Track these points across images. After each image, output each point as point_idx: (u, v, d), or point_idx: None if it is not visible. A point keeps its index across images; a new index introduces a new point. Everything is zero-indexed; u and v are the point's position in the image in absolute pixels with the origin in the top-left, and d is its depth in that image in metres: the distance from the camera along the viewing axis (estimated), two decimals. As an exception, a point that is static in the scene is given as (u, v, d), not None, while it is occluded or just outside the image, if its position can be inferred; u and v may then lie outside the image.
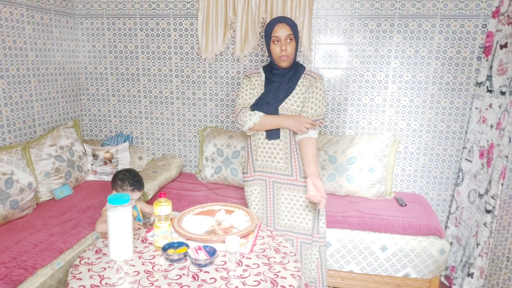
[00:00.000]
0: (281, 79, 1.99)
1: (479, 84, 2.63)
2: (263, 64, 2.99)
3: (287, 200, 2.06)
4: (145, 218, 2.07)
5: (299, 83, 2.00)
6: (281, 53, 1.92)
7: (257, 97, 2.03)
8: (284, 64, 1.95)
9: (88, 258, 1.55)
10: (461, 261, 2.55)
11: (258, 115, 1.97)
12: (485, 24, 2.64)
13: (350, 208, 2.59)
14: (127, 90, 3.27)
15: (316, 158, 1.95)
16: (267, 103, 1.98)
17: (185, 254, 1.53)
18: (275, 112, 1.97)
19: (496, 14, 2.53)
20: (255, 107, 2.01)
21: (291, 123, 1.95)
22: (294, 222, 2.07)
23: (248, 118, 1.98)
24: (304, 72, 2.03)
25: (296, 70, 2.01)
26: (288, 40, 1.92)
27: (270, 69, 2.04)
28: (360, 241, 2.42)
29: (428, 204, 2.72)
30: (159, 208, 1.60)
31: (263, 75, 2.07)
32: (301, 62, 2.93)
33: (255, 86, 2.07)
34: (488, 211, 2.28)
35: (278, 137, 2.00)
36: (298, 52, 2.92)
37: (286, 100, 1.98)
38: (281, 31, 1.92)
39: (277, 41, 1.93)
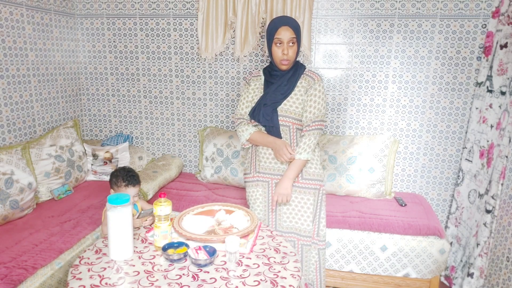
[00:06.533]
0: (279, 80, 1.98)
1: (479, 84, 2.63)
2: (263, 65, 2.99)
3: (289, 202, 2.06)
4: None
5: (298, 84, 1.98)
6: (282, 56, 1.91)
7: (256, 100, 2.04)
8: (284, 67, 1.95)
9: (88, 258, 1.55)
10: (461, 261, 2.55)
11: (249, 132, 2.04)
12: (485, 24, 2.64)
13: (350, 208, 2.59)
14: (127, 90, 3.27)
15: (292, 173, 1.96)
16: (265, 104, 1.97)
17: (185, 254, 1.53)
18: (273, 113, 1.97)
19: (496, 14, 2.53)
20: (254, 109, 2.02)
21: (275, 147, 1.98)
22: (296, 223, 2.06)
23: (241, 133, 2.06)
24: (304, 72, 2.01)
25: (295, 70, 1.99)
26: (291, 44, 1.90)
27: (270, 70, 2.03)
28: (360, 241, 2.42)
29: (428, 204, 2.72)
30: (159, 208, 1.60)
31: (263, 77, 2.06)
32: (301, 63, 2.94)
33: (254, 90, 2.07)
34: (488, 211, 2.28)
35: (280, 136, 2.00)
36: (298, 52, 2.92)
37: (285, 101, 1.97)
38: (285, 34, 1.88)
39: (280, 44, 1.90)
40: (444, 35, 2.72)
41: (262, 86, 2.05)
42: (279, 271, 1.47)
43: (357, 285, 2.50)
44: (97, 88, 3.31)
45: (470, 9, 2.65)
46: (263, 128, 2.03)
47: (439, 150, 2.89)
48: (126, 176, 1.92)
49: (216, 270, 1.47)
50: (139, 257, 1.57)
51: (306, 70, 2.02)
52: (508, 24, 2.37)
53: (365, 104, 2.93)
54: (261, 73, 2.08)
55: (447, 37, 2.72)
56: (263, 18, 2.86)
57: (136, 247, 1.64)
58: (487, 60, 2.57)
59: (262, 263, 1.53)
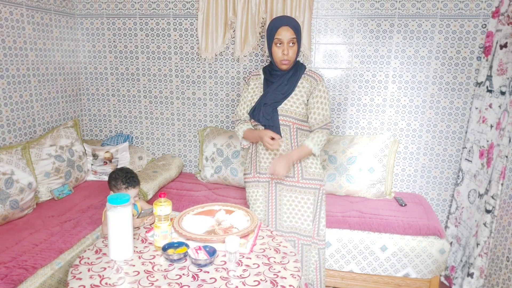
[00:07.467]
0: (280, 80, 1.98)
1: (479, 84, 2.64)
2: (263, 64, 2.99)
3: (289, 202, 2.06)
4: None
5: (298, 84, 1.98)
6: (282, 57, 1.91)
7: (256, 100, 2.03)
8: (285, 67, 1.95)
9: (88, 258, 1.55)
10: (461, 261, 2.55)
11: (242, 130, 2.09)
12: (485, 24, 2.64)
13: (350, 208, 2.59)
14: (127, 90, 3.27)
15: (295, 155, 1.95)
16: (265, 104, 1.97)
17: (185, 254, 1.53)
18: (273, 113, 1.97)
19: (496, 14, 2.53)
20: (254, 109, 2.02)
21: (260, 136, 1.97)
22: (296, 223, 2.07)
23: (237, 133, 2.12)
24: (304, 72, 2.01)
25: (295, 70, 1.99)
26: (291, 44, 1.91)
27: (270, 70, 2.03)
28: (360, 241, 2.42)
29: (428, 204, 2.72)
30: (159, 208, 1.60)
31: (262, 76, 2.06)
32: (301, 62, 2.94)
33: (253, 89, 2.07)
34: (488, 211, 2.28)
35: (279, 135, 1.99)
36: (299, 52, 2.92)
37: (285, 101, 1.97)
38: (285, 35, 1.89)
39: (280, 44, 1.91)
40: (444, 35, 2.72)
41: (262, 85, 2.05)
42: (279, 271, 1.48)
43: (357, 285, 2.50)
44: (97, 88, 3.31)
45: (470, 9, 2.65)
46: (263, 128, 2.03)
47: (439, 150, 2.89)
48: (125, 178, 1.90)
49: (216, 270, 1.47)
50: (139, 257, 1.57)
51: (306, 70, 2.02)
52: (508, 24, 2.37)
53: (365, 104, 2.93)
54: (261, 72, 2.09)
55: (447, 37, 2.72)
56: (263, 18, 2.86)
57: (136, 247, 1.64)
58: (487, 60, 2.57)
59: (262, 263, 1.53)
